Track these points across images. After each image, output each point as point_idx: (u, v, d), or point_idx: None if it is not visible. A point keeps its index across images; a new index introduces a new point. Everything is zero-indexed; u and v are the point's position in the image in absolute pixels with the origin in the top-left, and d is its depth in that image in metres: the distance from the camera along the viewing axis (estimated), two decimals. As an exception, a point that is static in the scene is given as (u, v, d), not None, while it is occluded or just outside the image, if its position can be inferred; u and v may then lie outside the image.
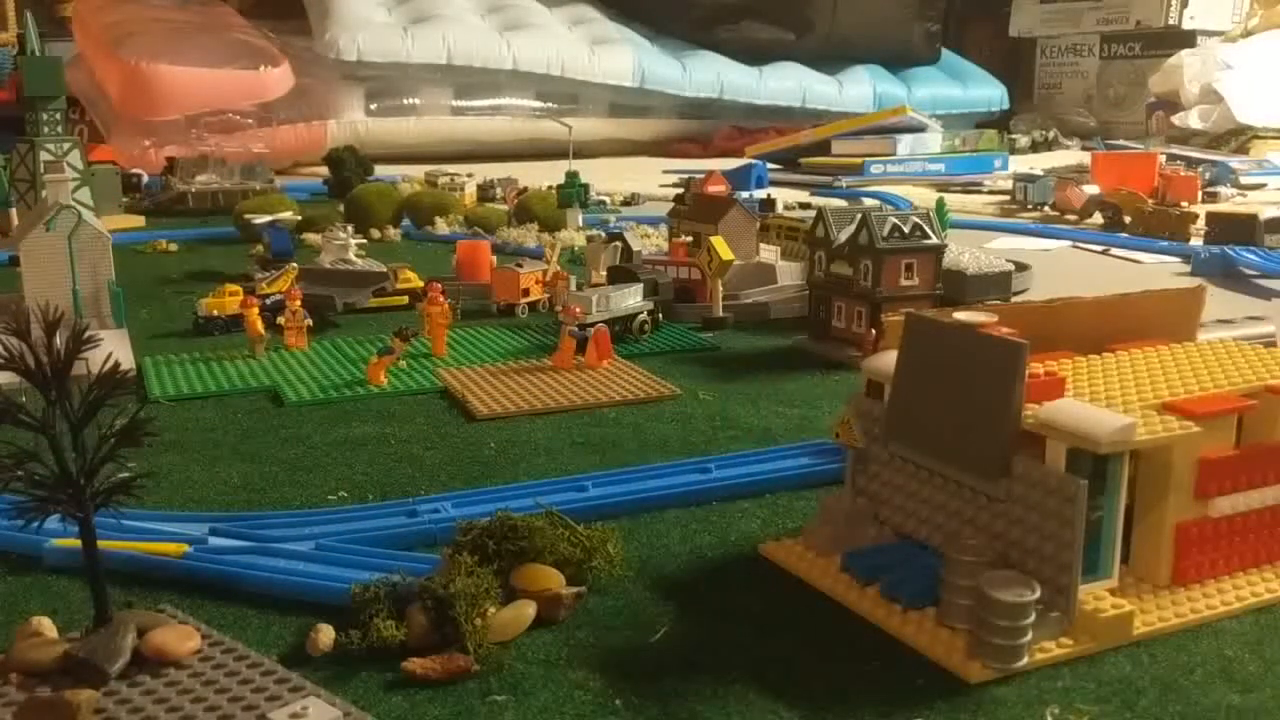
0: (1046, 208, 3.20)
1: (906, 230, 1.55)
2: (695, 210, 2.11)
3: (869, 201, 3.44)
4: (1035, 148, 5.40)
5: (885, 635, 0.80)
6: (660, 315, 1.74)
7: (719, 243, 1.75)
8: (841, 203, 3.28)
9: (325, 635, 0.77)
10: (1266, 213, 2.41)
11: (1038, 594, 0.74)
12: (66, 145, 2.38)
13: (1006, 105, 6.02)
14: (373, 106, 4.69)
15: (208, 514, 1.02)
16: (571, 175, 2.64)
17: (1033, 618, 0.74)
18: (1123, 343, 0.99)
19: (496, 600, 0.79)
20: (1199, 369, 0.92)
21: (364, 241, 2.39)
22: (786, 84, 5.49)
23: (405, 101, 4.76)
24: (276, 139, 4.39)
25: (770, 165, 3.99)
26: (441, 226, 2.82)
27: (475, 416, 1.31)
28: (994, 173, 4.15)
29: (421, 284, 1.87)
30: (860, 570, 0.86)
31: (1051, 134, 5.60)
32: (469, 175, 3.48)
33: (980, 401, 0.80)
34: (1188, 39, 5.66)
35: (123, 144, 4.15)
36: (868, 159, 4.12)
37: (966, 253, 1.94)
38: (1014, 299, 1.87)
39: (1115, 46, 6.11)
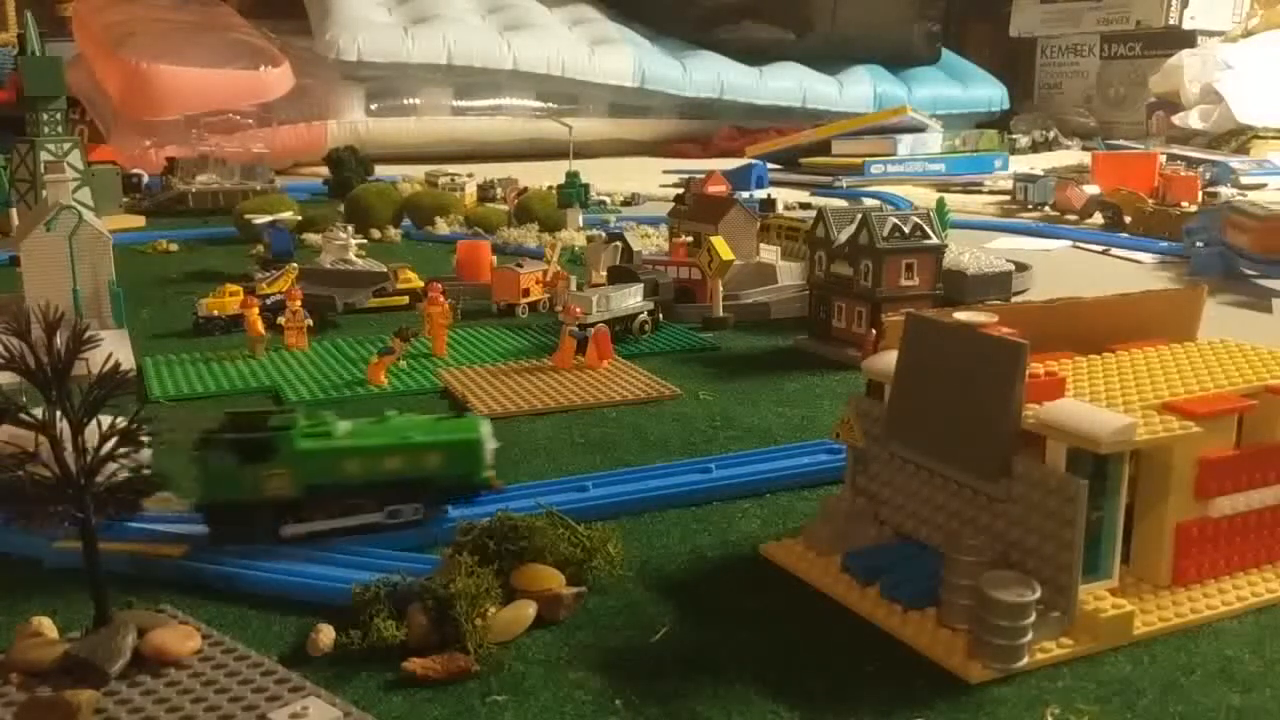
0: (1047, 208, 3.20)
1: (907, 230, 1.55)
2: (695, 210, 2.11)
3: (869, 201, 3.44)
4: (1035, 148, 5.40)
5: (885, 635, 0.80)
6: (660, 315, 1.74)
7: (719, 243, 1.75)
8: (842, 203, 3.28)
9: (325, 635, 0.77)
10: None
11: (1038, 594, 0.74)
12: (67, 145, 2.38)
13: (1006, 105, 6.02)
14: (373, 106, 4.69)
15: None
16: (572, 175, 2.64)
17: (1033, 618, 0.74)
18: (1123, 343, 0.99)
19: (496, 600, 0.79)
20: (1199, 369, 0.92)
21: (364, 241, 2.40)
22: (786, 84, 5.48)
23: (405, 101, 4.76)
24: (276, 139, 4.38)
25: (770, 165, 3.98)
26: (442, 226, 2.82)
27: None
28: (994, 173, 4.15)
29: (422, 284, 1.87)
30: (860, 570, 0.86)
31: (1051, 134, 5.60)
32: (469, 175, 3.48)
33: (980, 401, 0.80)
34: (1188, 39, 5.66)
35: (123, 144, 4.14)
36: (868, 159, 4.12)
37: (966, 253, 1.94)
38: (1014, 299, 1.87)
39: (1115, 46, 6.11)
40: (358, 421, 0.96)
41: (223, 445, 0.90)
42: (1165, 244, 2.61)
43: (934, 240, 1.56)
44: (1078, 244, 2.73)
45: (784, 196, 3.32)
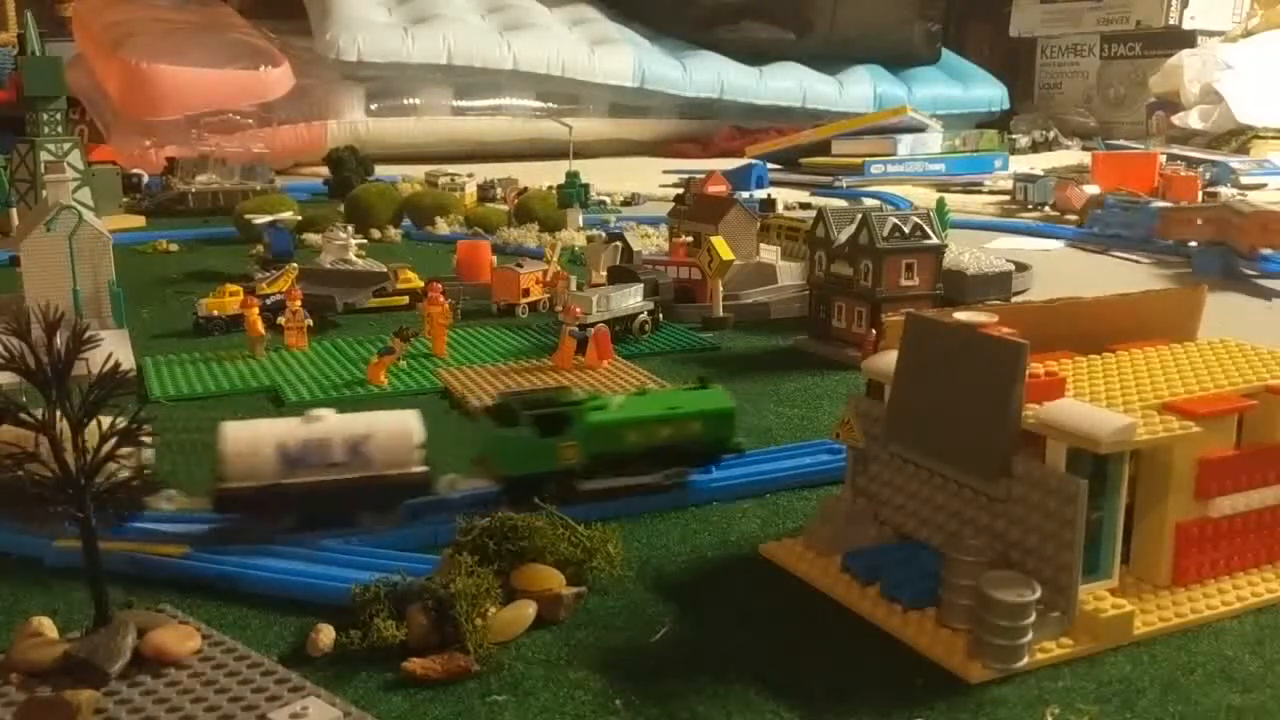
0: (1046, 208, 3.20)
1: (906, 230, 1.55)
2: (695, 210, 2.11)
3: (869, 201, 3.44)
4: (1035, 148, 5.40)
5: (885, 635, 0.80)
6: (660, 315, 1.74)
7: (719, 243, 1.75)
8: (842, 203, 3.28)
9: (325, 635, 0.77)
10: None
11: (1038, 594, 0.74)
12: (67, 145, 2.39)
13: (1007, 105, 6.02)
14: (373, 106, 4.69)
15: (208, 514, 1.01)
16: (572, 175, 2.64)
17: (1033, 618, 0.74)
18: (1123, 343, 0.99)
19: (496, 600, 0.79)
20: (1199, 369, 0.92)
21: (364, 241, 2.39)
22: (786, 84, 5.48)
23: (405, 101, 4.76)
24: (276, 139, 4.38)
25: (770, 165, 3.98)
26: (442, 226, 2.82)
27: (475, 417, 1.31)
28: (994, 173, 4.15)
29: (421, 284, 1.87)
30: (860, 570, 0.86)
31: (1051, 134, 5.60)
32: (469, 175, 3.48)
33: (980, 401, 0.80)
34: (1188, 39, 5.65)
35: (123, 144, 4.14)
36: (868, 159, 4.12)
37: (966, 253, 1.94)
38: (1014, 299, 1.87)
39: (1115, 46, 6.11)
40: (625, 397, 1.07)
41: (528, 422, 0.99)
42: (1072, 230, 2.82)
43: (934, 240, 1.56)
44: (1078, 244, 2.73)
45: (784, 196, 3.32)
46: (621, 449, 1.02)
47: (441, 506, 0.98)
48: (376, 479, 0.95)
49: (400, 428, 0.96)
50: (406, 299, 1.92)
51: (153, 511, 0.96)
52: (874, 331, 1.38)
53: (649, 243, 2.43)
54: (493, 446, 1.01)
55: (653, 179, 4.09)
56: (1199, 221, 2.36)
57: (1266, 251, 2.26)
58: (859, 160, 4.11)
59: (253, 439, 0.93)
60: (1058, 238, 2.81)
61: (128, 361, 1.49)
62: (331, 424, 0.95)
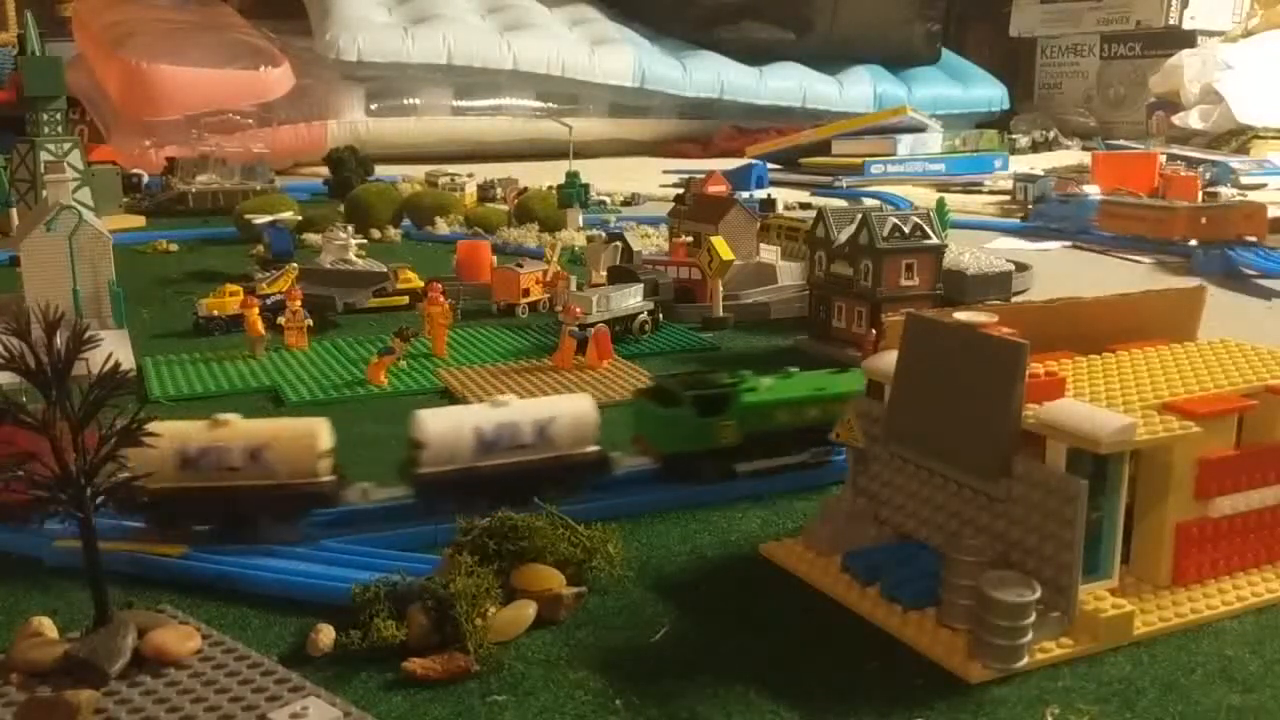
0: (1046, 208, 3.20)
1: (907, 230, 1.55)
2: (695, 210, 2.11)
3: (869, 201, 3.44)
4: (1035, 148, 5.39)
5: (885, 635, 0.80)
6: (660, 315, 1.74)
7: (719, 243, 1.75)
8: (842, 203, 3.28)
9: (325, 635, 0.77)
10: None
11: (1038, 594, 0.74)
12: (67, 145, 2.39)
13: (1007, 105, 6.01)
14: (373, 106, 4.69)
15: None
16: (572, 175, 2.64)
17: (1033, 618, 0.74)
18: (1123, 343, 0.99)
19: (496, 600, 0.80)
20: (1199, 369, 0.92)
21: (364, 241, 2.39)
22: (787, 84, 5.48)
23: (405, 101, 4.76)
24: (276, 139, 4.38)
25: (770, 165, 3.98)
26: (442, 226, 2.82)
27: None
28: (994, 173, 4.15)
29: (422, 284, 1.87)
30: (860, 570, 0.86)
31: (1052, 134, 5.59)
32: (469, 175, 3.48)
33: (980, 401, 0.80)
34: (1188, 39, 5.65)
35: (123, 144, 4.14)
36: (868, 159, 4.11)
37: (966, 253, 1.94)
38: (1014, 299, 1.87)
39: (1115, 46, 6.11)
40: (771, 378, 1.10)
41: (689, 402, 1.04)
42: (1017, 223, 2.95)
43: (934, 240, 1.56)
44: (1077, 244, 2.73)
45: (784, 196, 3.32)
46: (770, 429, 1.06)
47: (613, 484, 1.03)
48: (561, 459, 1.00)
49: (581, 410, 1.02)
50: (406, 299, 1.92)
51: (348, 505, 0.97)
52: (874, 331, 1.38)
53: (649, 243, 2.43)
54: (652, 426, 1.07)
55: (653, 179, 4.09)
56: (1141, 217, 2.54)
57: (1250, 239, 2.32)
58: (859, 160, 4.11)
59: (453, 424, 0.96)
60: (1008, 231, 2.88)
61: (128, 361, 1.49)
62: (519, 408, 0.99)
